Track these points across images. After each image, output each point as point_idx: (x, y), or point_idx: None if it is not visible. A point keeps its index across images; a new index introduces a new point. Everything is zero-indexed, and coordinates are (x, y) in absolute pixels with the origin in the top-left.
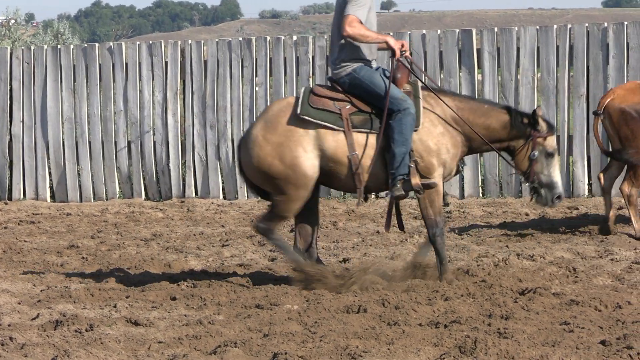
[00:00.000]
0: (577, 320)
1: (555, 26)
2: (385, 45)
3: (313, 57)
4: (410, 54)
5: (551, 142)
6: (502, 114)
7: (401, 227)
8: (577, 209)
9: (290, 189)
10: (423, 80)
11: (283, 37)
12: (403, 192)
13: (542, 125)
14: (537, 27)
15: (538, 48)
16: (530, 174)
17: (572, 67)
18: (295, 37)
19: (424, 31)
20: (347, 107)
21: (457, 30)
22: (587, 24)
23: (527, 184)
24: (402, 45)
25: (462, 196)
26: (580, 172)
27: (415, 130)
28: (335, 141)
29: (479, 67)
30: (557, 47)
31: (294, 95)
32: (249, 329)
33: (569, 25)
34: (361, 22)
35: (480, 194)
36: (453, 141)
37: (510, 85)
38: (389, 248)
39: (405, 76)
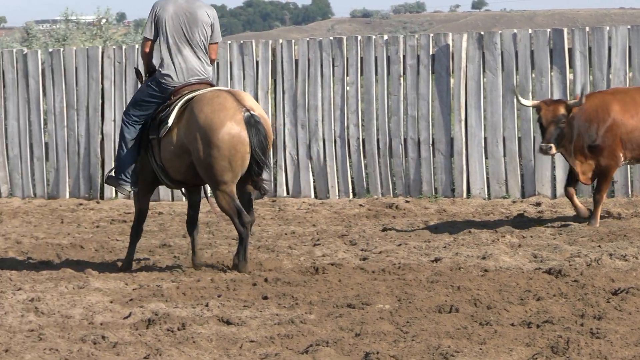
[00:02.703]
0: None
1: None
2: None
3: (404, 57)
4: None
5: None
6: None
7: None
8: None
9: None
10: None
11: (374, 37)
12: None
13: None
14: (629, 27)
15: (630, 47)
16: None
17: None
18: (386, 37)
19: (515, 30)
20: None
21: (549, 30)
22: None
23: None
24: None
25: (554, 196)
26: None
27: None
28: None
29: (570, 67)
30: None
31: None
32: (341, 328)
33: None
34: None
35: None
36: None
37: (602, 85)
38: (480, 248)
39: None
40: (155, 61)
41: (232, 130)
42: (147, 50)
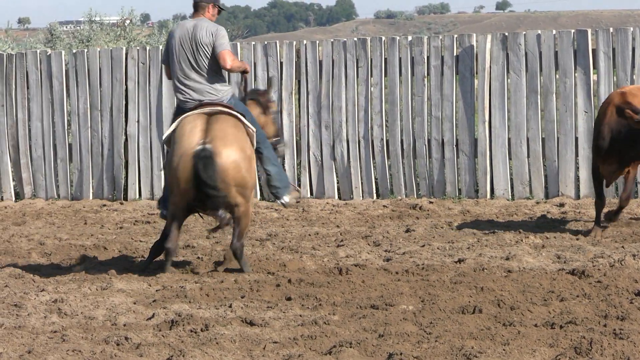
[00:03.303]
0: None
1: None
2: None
3: (428, 58)
4: None
5: None
6: None
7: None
8: None
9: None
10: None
11: (398, 38)
12: None
13: None
14: None
15: None
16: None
17: None
18: (410, 38)
19: (539, 31)
20: None
21: (573, 31)
22: None
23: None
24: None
25: (577, 196)
26: None
27: None
28: None
29: (594, 68)
30: None
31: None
32: (364, 329)
33: None
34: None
35: None
36: None
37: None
38: (504, 248)
39: None
40: None
41: (178, 163)
42: (167, 75)
